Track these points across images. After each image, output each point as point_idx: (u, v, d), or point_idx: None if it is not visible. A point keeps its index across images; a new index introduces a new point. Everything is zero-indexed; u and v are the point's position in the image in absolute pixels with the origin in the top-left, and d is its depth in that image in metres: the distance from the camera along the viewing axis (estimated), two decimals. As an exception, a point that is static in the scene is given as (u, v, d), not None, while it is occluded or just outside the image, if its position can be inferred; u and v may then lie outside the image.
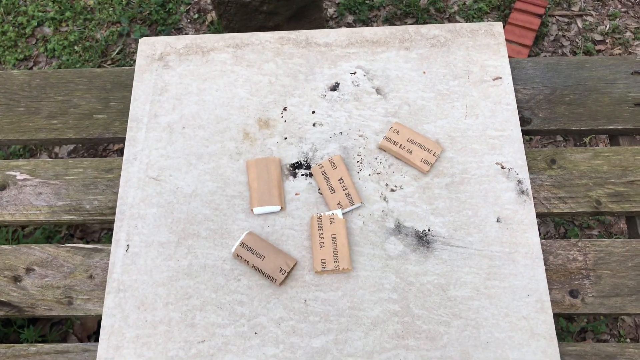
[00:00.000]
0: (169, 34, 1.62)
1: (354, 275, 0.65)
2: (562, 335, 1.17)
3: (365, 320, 0.63)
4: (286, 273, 0.64)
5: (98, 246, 0.70)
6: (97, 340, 1.18)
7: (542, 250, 0.67)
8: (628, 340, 1.18)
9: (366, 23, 1.62)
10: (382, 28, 0.79)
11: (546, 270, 0.66)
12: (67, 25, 1.64)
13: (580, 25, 1.58)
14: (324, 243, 0.65)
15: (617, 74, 0.77)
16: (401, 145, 0.70)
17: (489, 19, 1.61)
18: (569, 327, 1.18)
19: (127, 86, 0.80)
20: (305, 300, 0.64)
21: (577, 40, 1.56)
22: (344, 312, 0.64)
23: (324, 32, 0.80)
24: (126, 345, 0.63)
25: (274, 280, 0.64)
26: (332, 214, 0.67)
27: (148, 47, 0.80)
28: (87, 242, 1.32)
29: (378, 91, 0.75)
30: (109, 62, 1.59)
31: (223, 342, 0.63)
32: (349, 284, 0.65)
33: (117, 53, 1.60)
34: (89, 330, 1.19)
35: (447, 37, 0.78)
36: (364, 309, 0.64)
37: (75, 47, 1.60)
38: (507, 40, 1.51)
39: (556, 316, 0.63)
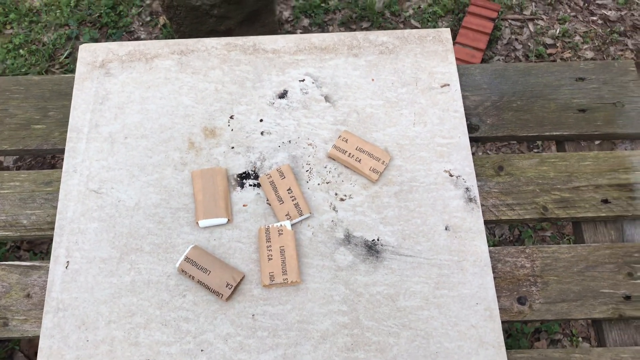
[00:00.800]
0: (120, 37, 1.57)
1: (303, 287, 0.64)
2: (517, 337, 1.19)
3: (314, 334, 0.62)
4: (233, 287, 0.62)
5: (36, 263, 0.67)
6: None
7: (491, 257, 0.67)
8: (580, 339, 1.20)
9: (322, 26, 1.61)
10: (331, 35, 0.79)
11: (495, 277, 0.66)
12: (12, 28, 1.58)
13: (532, 29, 1.61)
14: (272, 255, 0.64)
15: (562, 80, 0.78)
16: (350, 154, 0.69)
17: (444, 22, 1.62)
18: (524, 328, 1.19)
19: (66, 95, 0.76)
20: (253, 315, 0.63)
21: (529, 44, 1.59)
22: (293, 326, 0.62)
23: (272, 38, 0.78)
24: (65, 367, 0.60)
25: (221, 296, 0.62)
26: (281, 225, 0.65)
27: (89, 54, 0.77)
28: (35, 255, 1.27)
29: (327, 99, 0.74)
30: (57, 66, 1.53)
31: (167, 361, 0.60)
32: (298, 296, 0.63)
33: (66, 57, 1.54)
34: (36, 346, 1.15)
35: (395, 44, 0.78)
36: (314, 322, 0.62)
37: (21, 51, 1.54)
38: (461, 43, 1.52)
39: (504, 323, 0.63)
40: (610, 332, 0.65)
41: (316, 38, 0.78)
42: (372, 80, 0.75)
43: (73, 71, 1.52)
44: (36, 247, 1.30)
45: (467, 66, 0.78)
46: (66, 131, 0.74)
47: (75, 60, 1.54)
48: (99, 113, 0.73)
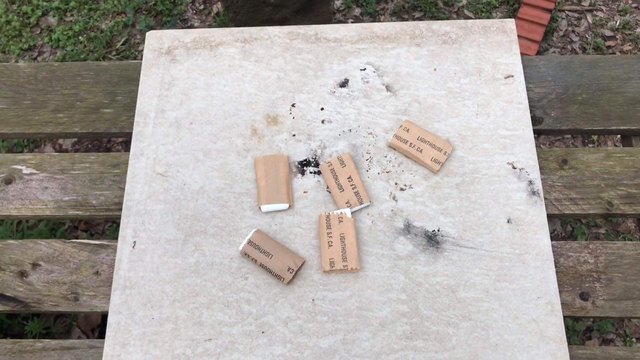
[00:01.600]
0: (174, 25, 1.61)
1: (362, 275, 0.64)
2: (568, 334, 1.17)
3: (373, 321, 0.63)
4: (294, 272, 0.63)
5: (104, 242, 0.70)
6: (101, 333, 1.18)
7: (553, 252, 0.66)
8: (634, 339, 1.18)
9: (373, 16, 1.60)
10: (393, 24, 0.78)
11: (557, 272, 0.65)
12: (72, 15, 1.63)
13: (590, 21, 1.56)
14: (332, 242, 0.64)
15: (630, 73, 0.76)
16: (411, 143, 0.69)
17: (498, 13, 1.59)
18: (575, 326, 1.17)
19: (134, 80, 0.79)
20: (313, 300, 0.64)
21: (586, 35, 1.54)
22: (352, 312, 0.63)
23: (334, 27, 0.79)
24: (132, 342, 0.63)
25: (282, 279, 0.64)
26: (341, 212, 0.66)
27: (155, 40, 0.79)
28: (92, 235, 1.32)
29: (388, 88, 0.74)
30: (113, 52, 1.58)
31: (230, 340, 0.62)
32: (357, 283, 0.64)
33: (122, 44, 1.58)
34: (92, 323, 1.19)
35: (458, 34, 0.77)
36: (372, 310, 0.63)
37: (80, 38, 1.59)
38: (515, 35, 1.49)
39: (566, 319, 0.63)
40: (677, 333, 0.63)
41: (378, 27, 0.78)
42: (435, 70, 0.75)
43: (129, 58, 1.56)
44: (92, 228, 1.35)
45: (531, 58, 0.77)
46: (133, 115, 0.76)
47: (130, 47, 1.58)
48: (165, 99, 0.75)
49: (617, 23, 1.55)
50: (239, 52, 0.78)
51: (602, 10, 1.58)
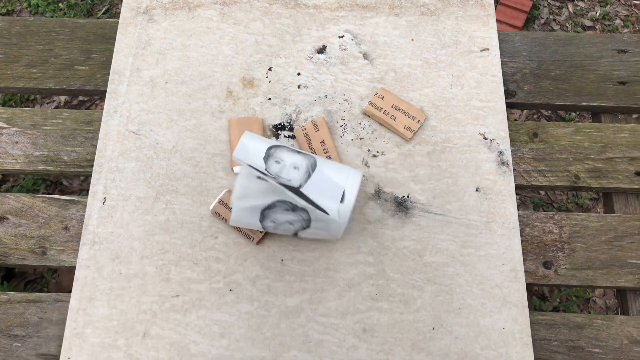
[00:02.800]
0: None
1: (332, 237, 0.65)
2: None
3: (340, 282, 0.63)
4: (263, 232, 0.64)
5: (74, 198, 0.69)
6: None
7: (519, 221, 0.67)
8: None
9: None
10: (373, -7, 0.79)
11: (522, 241, 0.66)
12: (53, -19, 1.60)
13: (571, 10, 1.58)
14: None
15: (603, 52, 0.77)
16: (385, 111, 0.70)
17: (481, -2, 1.60)
18: (542, 305, 1.20)
19: (110, 39, 0.78)
20: (282, 260, 0.64)
21: (567, 24, 1.56)
22: (320, 273, 0.64)
23: (314, -6, 0.79)
24: (99, 297, 0.63)
25: (252, 239, 0.64)
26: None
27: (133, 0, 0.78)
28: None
29: (365, 56, 0.75)
30: (94, 21, 1.55)
31: (197, 297, 0.62)
32: (326, 245, 0.65)
33: (103, 13, 1.56)
34: (64, 289, 1.19)
35: (437, 6, 0.78)
36: (340, 271, 0.64)
37: (60, 5, 1.56)
38: (497, 20, 1.50)
39: (529, 286, 0.64)
40: (635, 302, 0.65)
41: (358, -4, 0.78)
42: (412, 40, 0.75)
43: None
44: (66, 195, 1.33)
45: (507, 32, 0.78)
46: (108, 73, 0.76)
47: (112, 16, 1.56)
48: (141, 57, 0.74)
49: (597, 14, 1.57)
50: (217, 14, 0.77)
51: (583, 0, 1.60)
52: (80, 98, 1.45)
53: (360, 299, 0.63)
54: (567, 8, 1.59)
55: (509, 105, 0.74)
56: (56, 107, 1.45)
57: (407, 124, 0.69)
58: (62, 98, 1.45)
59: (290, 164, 0.57)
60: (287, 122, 0.71)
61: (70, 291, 1.18)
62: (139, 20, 0.77)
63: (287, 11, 0.77)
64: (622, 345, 0.62)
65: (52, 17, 1.53)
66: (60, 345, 0.62)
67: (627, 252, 0.65)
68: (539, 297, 1.22)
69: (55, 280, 1.19)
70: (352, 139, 0.70)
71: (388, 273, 0.64)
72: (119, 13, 1.55)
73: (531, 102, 0.74)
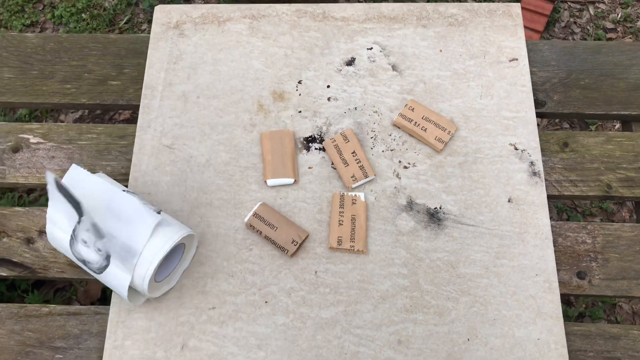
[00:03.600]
0: (178, 3, 1.60)
1: (365, 249, 0.66)
2: (560, 319, 1.18)
3: (374, 294, 0.64)
4: (298, 244, 0.65)
5: (110, 212, 0.70)
6: (103, 301, 1.19)
7: (552, 231, 0.67)
8: (624, 326, 1.20)
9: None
10: (400, 5, 0.79)
11: (555, 251, 0.67)
12: (75, -8, 1.63)
13: (592, 12, 1.57)
14: (342, 221, 0.66)
15: (633, 59, 0.77)
16: (416, 122, 0.70)
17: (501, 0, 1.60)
18: (568, 311, 1.19)
19: (141, 53, 0.79)
20: (316, 272, 0.65)
21: (588, 27, 1.55)
22: (354, 285, 0.64)
23: (341, 6, 0.79)
24: (137, 309, 0.64)
25: (286, 251, 0.65)
26: (355, 195, 0.67)
27: (164, 14, 0.79)
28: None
29: (394, 68, 0.75)
30: (116, 31, 1.57)
31: (234, 309, 0.63)
32: (360, 257, 0.65)
33: (125, 22, 1.58)
34: (92, 297, 1.20)
35: (464, 17, 0.78)
36: (374, 283, 0.64)
37: (83, 15, 1.59)
38: (518, 24, 1.50)
39: (563, 296, 0.64)
40: (670, 312, 0.65)
41: (385, 7, 0.79)
42: (440, 51, 0.76)
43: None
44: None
45: (535, 42, 0.78)
46: (140, 88, 0.77)
47: (133, 25, 1.58)
48: (173, 72, 0.76)
49: (619, 15, 1.56)
50: (246, 28, 0.78)
51: (604, 3, 1.59)
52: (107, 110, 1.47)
53: (395, 310, 0.63)
54: (588, 10, 1.58)
55: (539, 115, 0.74)
56: (80, 117, 1.47)
57: (438, 135, 0.70)
58: (70, 117, 1.47)
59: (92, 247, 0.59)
60: (317, 135, 0.72)
61: (98, 299, 1.20)
62: (169, 35, 0.78)
63: (315, 24, 0.78)
64: (659, 356, 0.62)
65: (75, 27, 1.56)
66: (100, 357, 0.63)
67: (661, 262, 0.65)
68: (565, 302, 1.21)
69: (83, 288, 1.21)
70: (383, 151, 0.70)
71: (422, 285, 0.64)
72: (140, 22, 1.57)
73: (561, 112, 0.74)
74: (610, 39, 1.52)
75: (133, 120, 1.47)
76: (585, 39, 1.52)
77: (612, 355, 0.62)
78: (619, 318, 1.20)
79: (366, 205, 0.67)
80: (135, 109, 0.76)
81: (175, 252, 0.63)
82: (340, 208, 0.66)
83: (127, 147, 0.73)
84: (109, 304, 0.65)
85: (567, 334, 0.63)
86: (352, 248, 0.65)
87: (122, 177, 0.71)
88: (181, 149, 0.71)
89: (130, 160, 0.72)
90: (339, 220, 0.66)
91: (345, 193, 0.67)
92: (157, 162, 0.71)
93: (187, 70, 0.76)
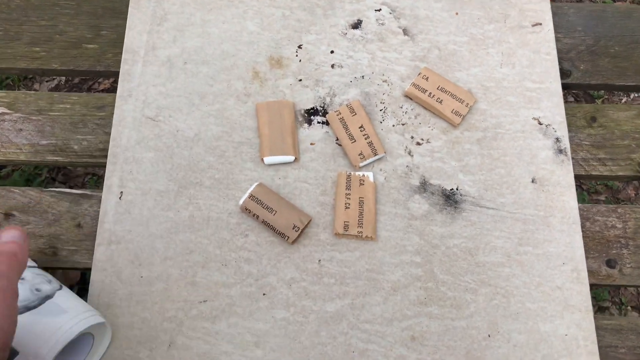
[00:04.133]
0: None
1: (374, 235, 0.59)
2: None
3: (384, 285, 0.57)
4: (300, 230, 0.57)
5: (87, 192, 0.62)
6: (80, 290, 1.11)
7: (579, 215, 0.61)
8: (629, 307, 1.16)
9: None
10: (411, -39, 0.71)
11: (583, 237, 0.60)
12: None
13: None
14: (349, 205, 0.58)
15: (666, 26, 0.70)
16: (430, 93, 0.63)
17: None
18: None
19: (121, 13, 0.70)
20: (320, 261, 0.58)
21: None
22: (362, 275, 0.58)
23: (346, -38, 0.71)
24: (118, 303, 0.56)
25: (286, 238, 0.58)
26: (363, 175, 0.60)
27: (145, -31, 0.70)
28: (72, 187, 1.24)
29: (405, 32, 0.67)
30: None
31: (228, 303, 0.56)
32: (368, 244, 0.59)
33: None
34: (70, 280, 1.13)
35: (483, -25, 0.70)
36: (384, 272, 0.58)
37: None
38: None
39: (591, 287, 0.58)
40: None
41: (395, -36, 0.71)
42: (456, 14, 0.68)
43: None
44: (71, 180, 1.27)
45: (560, 5, 0.70)
46: (120, 52, 0.68)
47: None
48: (157, 35, 0.67)
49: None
50: (239, -15, 0.70)
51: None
52: (83, 76, 1.37)
53: (408, 303, 0.57)
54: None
55: (564, 87, 0.67)
56: (56, 87, 1.37)
57: (455, 108, 0.62)
58: (63, 77, 1.37)
59: None
60: (320, 107, 0.64)
61: (77, 282, 1.12)
62: (152, -8, 0.69)
63: (317, -18, 0.70)
64: (696, 353, 0.56)
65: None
66: (77, 357, 0.56)
67: (698, 249, 0.60)
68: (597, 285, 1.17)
69: (61, 269, 1.13)
70: (394, 125, 0.63)
71: (437, 275, 0.58)
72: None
73: (588, 83, 0.67)
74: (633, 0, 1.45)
75: (114, 90, 1.38)
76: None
77: (645, 352, 0.56)
78: (623, 299, 1.16)
79: (375, 186, 0.60)
80: (115, 76, 0.68)
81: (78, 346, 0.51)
82: (346, 190, 0.59)
83: (105, 118, 0.65)
84: (90, 289, 0.58)
85: (597, 328, 0.57)
86: (360, 234, 0.58)
87: (99, 153, 0.63)
88: (166, 121, 0.63)
89: (109, 134, 0.64)
90: (345, 204, 0.58)
91: (352, 173, 0.60)
92: (139, 136, 0.62)
93: (173, 32, 0.67)
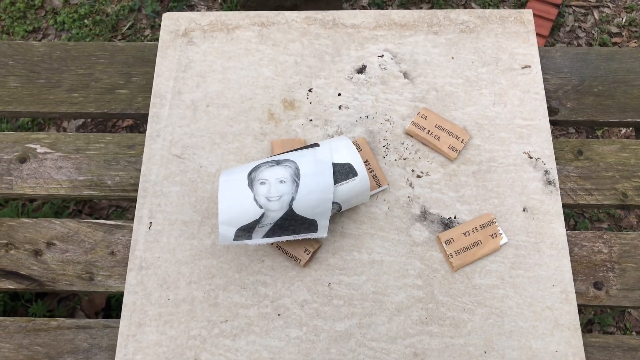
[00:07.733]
0: (181, 10, 1.59)
1: (379, 260, 0.65)
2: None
3: (389, 306, 0.63)
4: (311, 253, 0.64)
5: (119, 223, 0.69)
6: (105, 316, 1.18)
7: (568, 241, 0.66)
8: (634, 333, 1.19)
9: (380, 6, 1.60)
10: (410, 11, 0.78)
11: (571, 261, 0.66)
12: (78, -2, 1.62)
13: (596, 17, 1.57)
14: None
15: (646, 66, 0.76)
16: (429, 130, 0.69)
17: (505, 6, 1.59)
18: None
19: (149, 62, 0.78)
20: (329, 284, 0.64)
21: (593, 32, 1.55)
22: (368, 297, 0.63)
23: (351, 13, 0.79)
24: (148, 322, 0.63)
25: (298, 261, 0.64)
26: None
27: (172, 22, 0.79)
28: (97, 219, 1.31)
29: (405, 75, 0.74)
30: (119, 37, 1.57)
31: (246, 322, 0.62)
32: (374, 268, 0.64)
33: (128, 28, 1.57)
34: (96, 307, 1.19)
35: (476, 23, 0.77)
36: (388, 294, 0.63)
37: (85, 21, 1.58)
38: (523, 29, 1.49)
39: (579, 307, 0.63)
40: (689, 323, 0.64)
41: (396, 14, 0.78)
42: (452, 58, 0.75)
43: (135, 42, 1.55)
44: (96, 212, 1.34)
45: (548, 49, 0.77)
46: (149, 97, 0.76)
47: (136, 31, 1.57)
48: (182, 81, 0.75)
49: (623, 20, 1.56)
50: (255, 35, 0.77)
51: (608, 7, 1.58)
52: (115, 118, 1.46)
53: (410, 322, 0.62)
54: (593, 15, 1.58)
55: (552, 123, 0.74)
56: (82, 124, 1.46)
57: (451, 144, 0.69)
58: (73, 125, 1.46)
59: (275, 180, 0.58)
60: (329, 144, 0.71)
61: (103, 309, 1.19)
62: (178, 43, 0.77)
63: (325, 31, 0.77)
64: (679, 368, 0.61)
65: (77, 33, 1.55)
66: (111, 372, 0.62)
67: (679, 271, 0.64)
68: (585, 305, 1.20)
69: (88, 297, 1.19)
70: (396, 159, 0.70)
71: (437, 296, 0.63)
72: (143, 28, 1.56)
73: (574, 119, 0.73)
74: (615, 43, 1.52)
75: (136, 127, 1.46)
76: (591, 44, 1.52)
77: (631, 367, 0.61)
78: (627, 324, 1.20)
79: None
80: (140, 117, 0.75)
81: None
82: None
83: (135, 156, 0.72)
84: (114, 314, 0.64)
85: (585, 345, 0.62)
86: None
87: (131, 187, 0.70)
88: (191, 158, 0.70)
89: (139, 170, 0.71)
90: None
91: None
92: (166, 172, 0.70)
93: (196, 78, 0.75)
